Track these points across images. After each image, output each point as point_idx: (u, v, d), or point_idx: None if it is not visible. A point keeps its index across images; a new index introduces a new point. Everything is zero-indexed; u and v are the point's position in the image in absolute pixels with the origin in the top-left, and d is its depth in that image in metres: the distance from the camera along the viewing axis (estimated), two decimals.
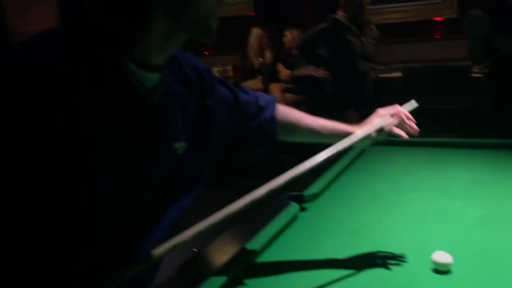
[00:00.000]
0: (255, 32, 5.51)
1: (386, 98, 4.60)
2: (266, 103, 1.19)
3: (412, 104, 1.30)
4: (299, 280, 1.04)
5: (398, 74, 5.01)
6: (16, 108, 0.68)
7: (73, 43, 0.76)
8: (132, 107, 0.83)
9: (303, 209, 1.45)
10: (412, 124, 1.22)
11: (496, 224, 1.31)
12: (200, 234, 0.88)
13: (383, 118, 1.21)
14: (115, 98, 0.80)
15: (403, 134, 1.20)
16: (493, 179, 1.72)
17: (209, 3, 0.83)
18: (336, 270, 1.07)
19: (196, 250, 1.16)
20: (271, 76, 5.42)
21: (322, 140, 1.22)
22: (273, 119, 1.18)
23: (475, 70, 4.49)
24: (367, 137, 1.17)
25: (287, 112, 1.23)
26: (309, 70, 4.64)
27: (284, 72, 5.28)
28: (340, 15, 3.59)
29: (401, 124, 1.21)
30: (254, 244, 1.15)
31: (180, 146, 0.95)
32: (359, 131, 1.18)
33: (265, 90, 5.37)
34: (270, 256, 1.16)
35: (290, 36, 5.33)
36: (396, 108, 1.23)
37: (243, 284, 1.02)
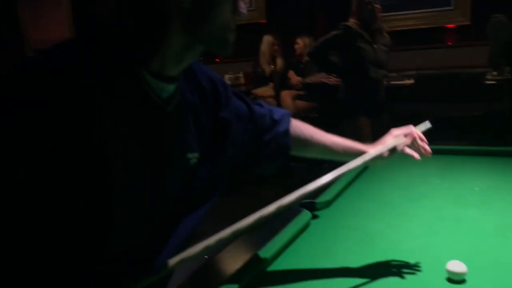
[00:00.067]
0: (267, 39, 5.52)
1: (398, 106, 4.61)
2: (281, 117, 1.19)
3: (426, 125, 1.30)
4: None
5: (410, 81, 4.98)
6: (33, 117, 0.68)
7: (90, 53, 0.76)
8: (147, 117, 0.84)
9: (315, 216, 1.44)
10: (425, 145, 1.23)
11: (511, 233, 1.29)
12: (208, 249, 0.88)
13: (397, 138, 1.22)
14: (130, 109, 0.80)
15: (415, 154, 1.22)
16: (507, 187, 1.70)
17: (226, 16, 0.84)
18: (348, 278, 1.06)
19: (207, 257, 1.15)
20: (282, 83, 5.43)
21: (334, 157, 1.23)
22: (287, 133, 1.18)
23: (489, 77, 4.45)
24: (379, 156, 1.18)
25: (301, 127, 1.23)
26: (321, 77, 4.64)
27: (294, 78, 5.29)
28: (352, 22, 3.59)
29: (413, 145, 1.22)
30: (266, 251, 1.14)
31: (193, 156, 0.95)
32: (372, 150, 1.18)
33: (277, 97, 5.38)
34: (282, 263, 1.15)
35: (302, 43, 5.33)
36: (410, 128, 1.24)
37: None
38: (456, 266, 1.02)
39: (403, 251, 1.19)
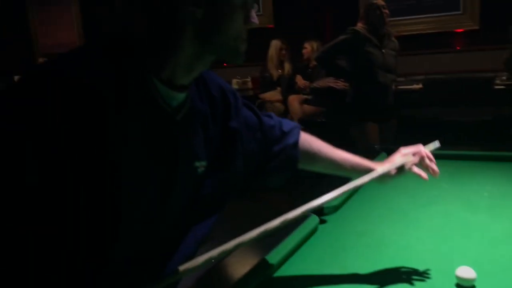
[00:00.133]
0: (274, 44, 5.53)
1: (406, 110, 4.59)
2: (290, 129, 1.19)
3: (435, 145, 1.30)
4: None
5: (418, 86, 4.97)
6: (43, 127, 0.67)
7: (101, 59, 0.76)
8: (156, 125, 0.83)
9: (323, 221, 1.43)
10: (433, 165, 1.23)
11: None
12: (212, 259, 0.88)
13: (405, 156, 1.22)
14: (140, 116, 0.80)
15: (422, 174, 1.22)
16: None
17: (237, 26, 0.84)
18: (356, 284, 1.05)
19: (214, 261, 1.15)
20: (290, 87, 5.44)
21: (341, 173, 1.24)
22: (296, 145, 1.18)
23: (498, 81, 4.43)
24: (387, 174, 1.18)
25: (309, 141, 1.22)
26: (328, 82, 4.63)
27: (302, 83, 5.29)
28: (360, 26, 3.59)
29: (421, 164, 1.22)
30: (274, 256, 1.14)
31: (200, 165, 0.95)
32: (380, 168, 1.19)
33: (284, 101, 5.38)
34: (290, 268, 1.15)
35: (309, 47, 5.33)
36: (418, 147, 1.24)
37: None
38: (466, 272, 1.01)
39: (412, 256, 1.18)
